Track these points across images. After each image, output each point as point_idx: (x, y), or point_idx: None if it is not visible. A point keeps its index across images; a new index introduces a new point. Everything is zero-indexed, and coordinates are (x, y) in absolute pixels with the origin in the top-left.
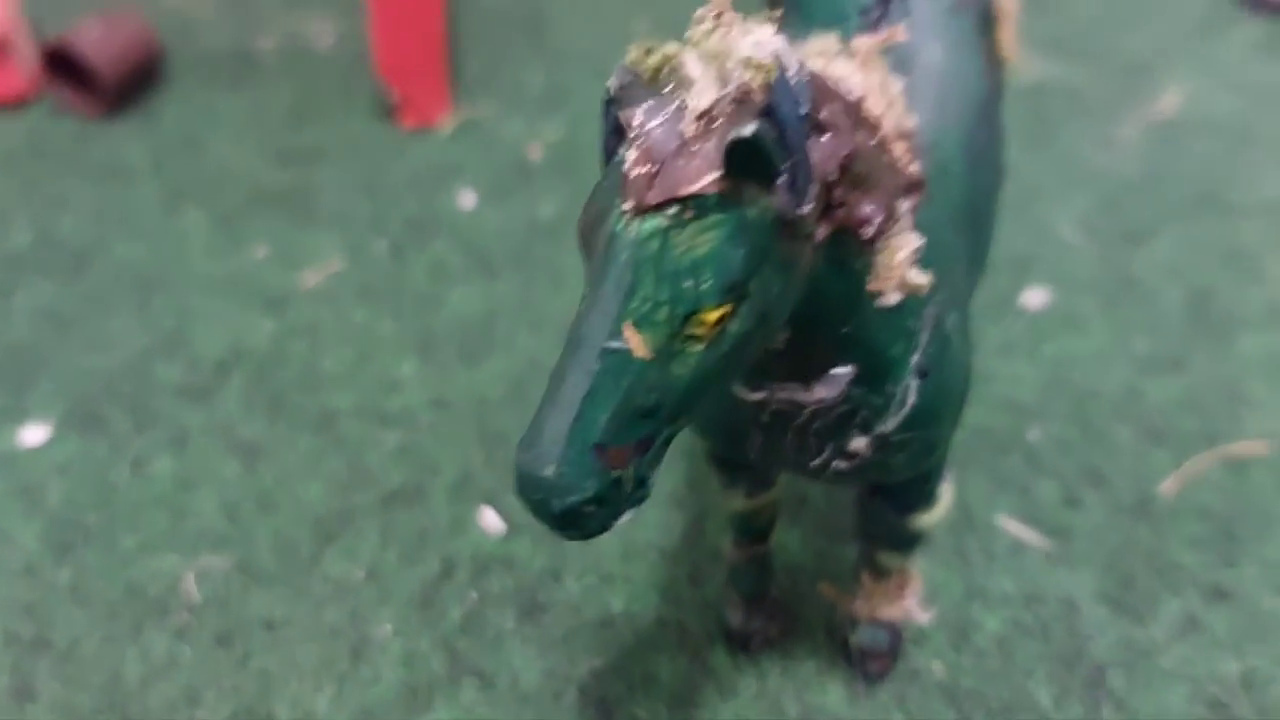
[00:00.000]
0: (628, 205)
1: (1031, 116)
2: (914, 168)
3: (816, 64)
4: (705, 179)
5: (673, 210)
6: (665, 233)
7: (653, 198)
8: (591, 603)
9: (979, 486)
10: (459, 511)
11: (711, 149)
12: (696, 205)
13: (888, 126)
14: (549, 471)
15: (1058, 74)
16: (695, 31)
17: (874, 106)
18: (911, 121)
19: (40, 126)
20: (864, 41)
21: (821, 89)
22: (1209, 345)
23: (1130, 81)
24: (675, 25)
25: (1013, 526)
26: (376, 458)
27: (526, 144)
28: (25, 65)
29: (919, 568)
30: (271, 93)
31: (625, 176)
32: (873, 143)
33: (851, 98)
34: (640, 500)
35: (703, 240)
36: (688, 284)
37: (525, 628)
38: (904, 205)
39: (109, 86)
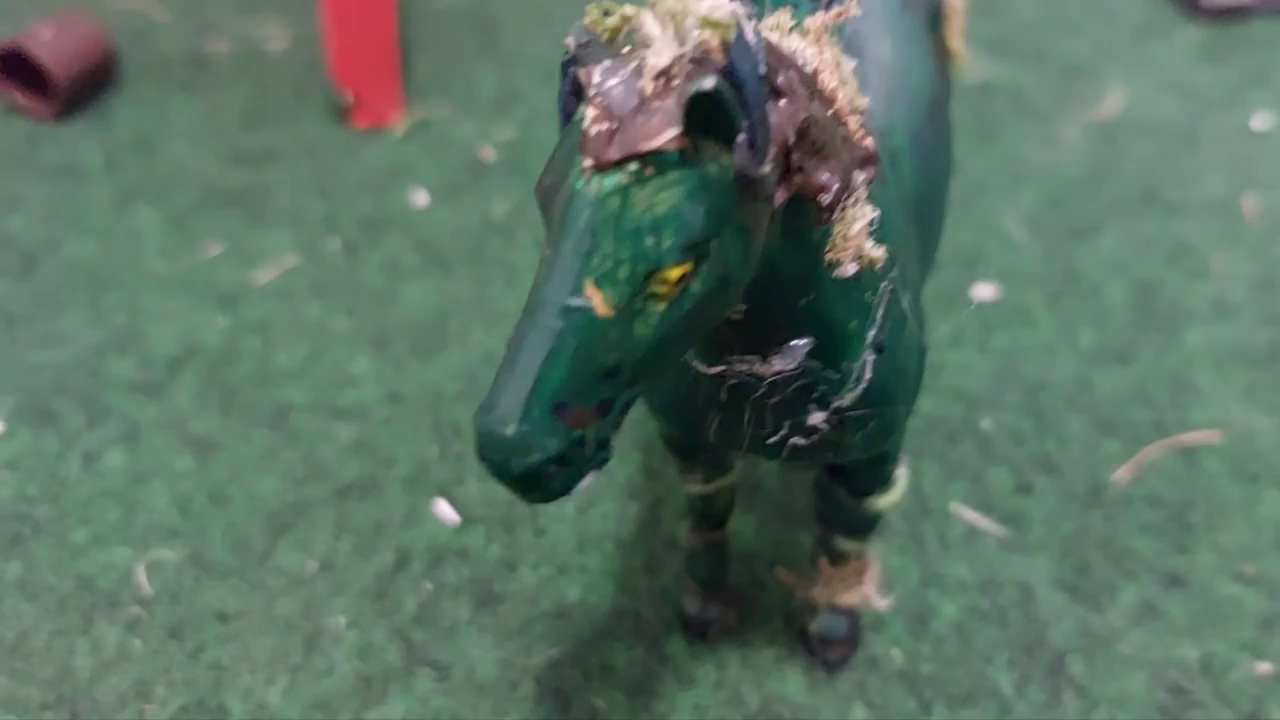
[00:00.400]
0: (587, 163)
1: (976, 116)
2: (868, 141)
3: (772, 37)
4: (665, 135)
5: (633, 167)
6: (625, 190)
7: (612, 154)
8: (547, 593)
9: (933, 474)
10: (413, 503)
11: (671, 105)
12: (657, 162)
13: (842, 100)
14: (509, 431)
15: (1001, 74)
16: None
17: (828, 80)
18: (864, 100)
19: None
20: (817, 18)
21: (779, 56)
22: (1155, 338)
23: (1072, 83)
24: None
25: (967, 513)
26: (331, 451)
27: (479, 144)
28: None
29: (876, 554)
30: (225, 95)
31: (585, 134)
32: (828, 114)
33: (807, 69)
34: (603, 462)
35: (663, 197)
36: (649, 241)
37: (481, 618)
38: (859, 177)
39: (61, 88)
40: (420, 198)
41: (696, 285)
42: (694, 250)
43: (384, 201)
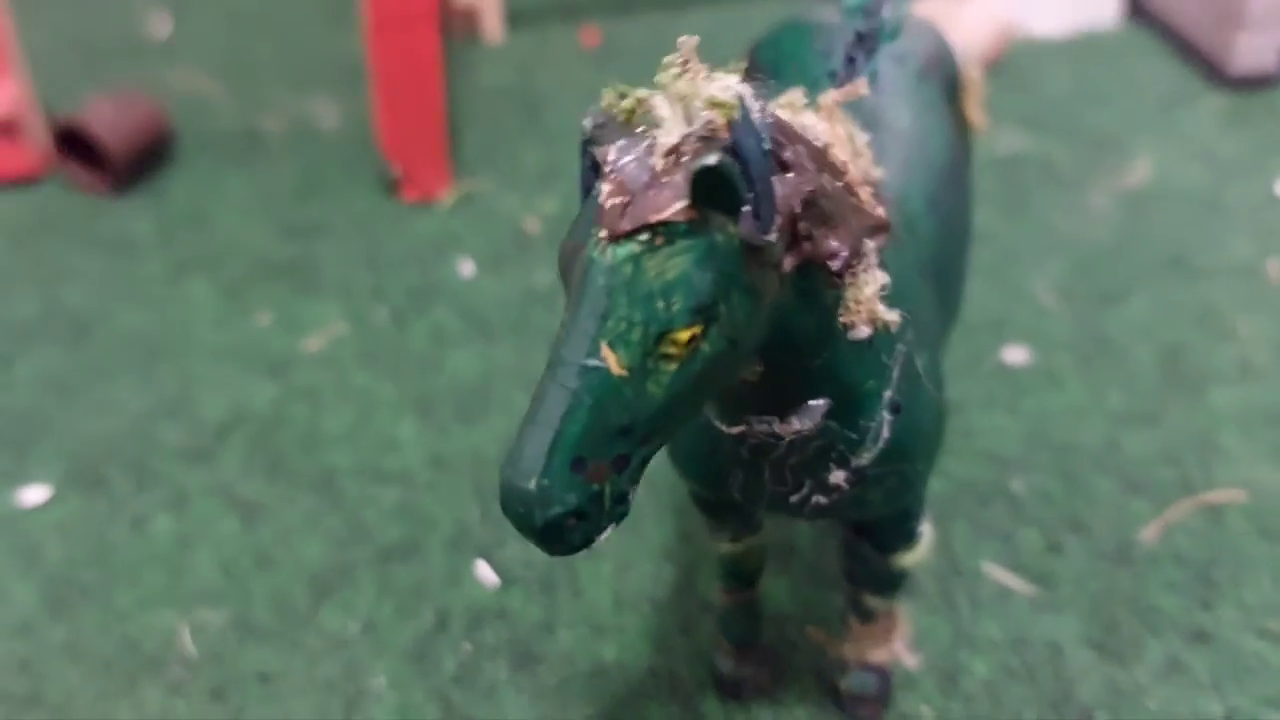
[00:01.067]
0: (603, 233)
1: (1007, 186)
2: (879, 210)
3: (784, 114)
4: (674, 207)
5: (644, 236)
6: (638, 258)
7: (625, 225)
8: (584, 653)
9: (964, 535)
10: (455, 565)
11: (680, 180)
12: (666, 232)
13: (853, 172)
14: (531, 484)
15: (1031, 147)
16: (664, 76)
17: (839, 153)
18: (878, 172)
19: (51, 202)
20: (829, 95)
21: (786, 132)
22: (1182, 400)
23: (1100, 153)
24: None
25: (998, 573)
26: (374, 514)
27: (523, 217)
28: (37, 143)
29: (906, 613)
30: (277, 170)
31: (600, 207)
32: (839, 185)
33: (818, 143)
34: (621, 516)
35: (673, 264)
36: (660, 305)
37: (519, 678)
38: (870, 245)
39: (119, 164)
40: (466, 268)
41: (706, 347)
42: (703, 313)
43: (431, 272)
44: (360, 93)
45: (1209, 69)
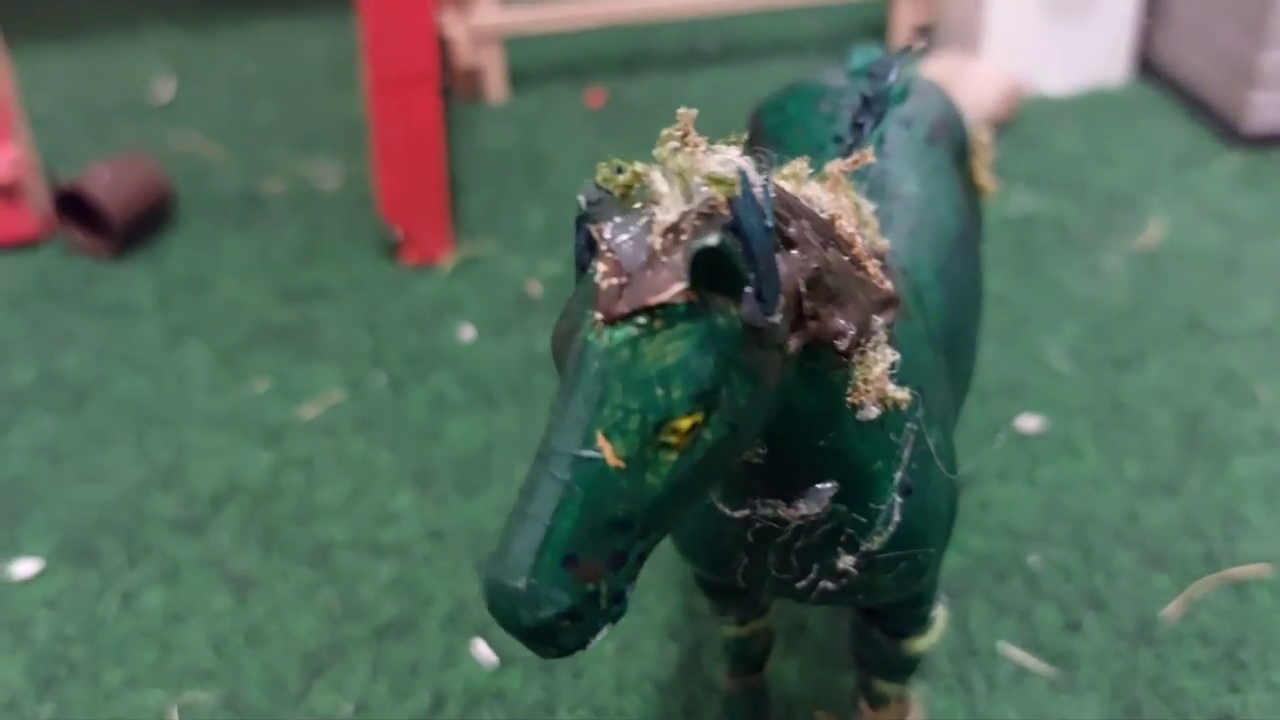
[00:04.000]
0: (598, 315)
1: (1019, 247)
2: (888, 285)
3: (787, 185)
4: (673, 289)
5: (642, 320)
6: (635, 342)
7: (622, 307)
8: None
9: (980, 612)
10: (452, 643)
11: (679, 260)
12: (665, 315)
13: (860, 245)
14: (519, 584)
15: (1042, 206)
16: (661, 150)
17: (845, 225)
18: (885, 243)
19: (50, 266)
20: (835, 165)
21: (790, 206)
22: (1203, 469)
23: (1113, 213)
24: None
25: (1015, 653)
26: (370, 589)
27: (526, 280)
28: (37, 206)
29: (920, 695)
30: (278, 233)
31: (596, 288)
32: (845, 259)
33: (823, 216)
34: (617, 615)
35: (672, 349)
36: (659, 392)
37: None
38: (879, 321)
39: (119, 229)
40: (467, 333)
41: (708, 434)
42: (704, 400)
43: (431, 337)
44: (362, 154)
45: (1222, 127)
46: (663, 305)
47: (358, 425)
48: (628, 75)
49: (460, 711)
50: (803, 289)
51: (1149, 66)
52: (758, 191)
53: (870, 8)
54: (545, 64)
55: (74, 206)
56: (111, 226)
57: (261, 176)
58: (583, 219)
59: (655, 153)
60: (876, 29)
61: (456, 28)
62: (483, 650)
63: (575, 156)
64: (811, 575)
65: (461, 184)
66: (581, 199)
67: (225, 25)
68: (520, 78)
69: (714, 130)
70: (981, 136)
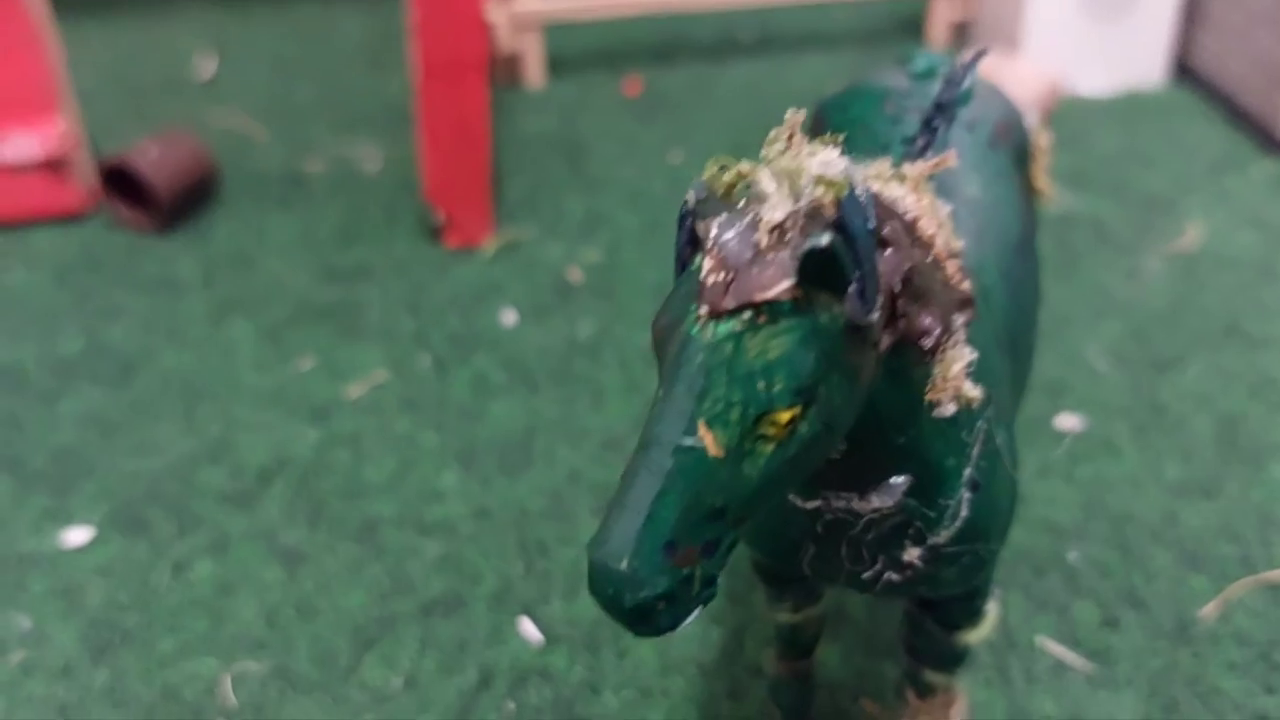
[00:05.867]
0: (703, 310)
1: (1058, 247)
2: (966, 285)
3: (874, 185)
4: (780, 286)
5: (746, 315)
6: (739, 336)
7: (728, 303)
8: (630, 716)
9: (1019, 606)
10: (498, 621)
11: (786, 258)
12: (770, 311)
13: (940, 246)
14: (622, 566)
15: (1081, 206)
16: (769, 150)
17: (927, 227)
18: (960, 243)
19: (96, 240)
20: (916, 167)
21: (884, 208)
22: (1241, 472)
23: (1151, 215)
24: (708, 158)
25: (1053, 647)
26: (417, 566)
27: (566, 266)
28: (83, 180)
29: (963, 688)
30: (320, 213)
31: (702, 284)
32: (928, 260)
33: (908, 217)
34: (709, 599)
35: (775, 344)
36: (760, 385)
37: None
38: (958, 320)
39: (164, 204)
40: (508, 317)
41: (804, 428)
42: (803, 395)
43: (472, 320)
44: (402, 137)
45: (1259, 133)
46: (769, 301)
47: (402, 405)
48: (664, 64)
49: (507, 689)
50: (897, 289)
51: (1186, 70)
52: (861, 193)
53: (907, 4)
54: (583, 51)
55: (120, 181)
56: (158, 202)
57: (303, 156)
58: (687, 215)
59: (763, 153)
60: (913, 25)
61: (497, 13)
62: (529, 629)
63: (612, 144)
64: (878, 566)
65: (501, 169)
66: (690, 196)
67: (263, 4)
68: (558, 64)
69: (750, 121)
70: (1041, 140)
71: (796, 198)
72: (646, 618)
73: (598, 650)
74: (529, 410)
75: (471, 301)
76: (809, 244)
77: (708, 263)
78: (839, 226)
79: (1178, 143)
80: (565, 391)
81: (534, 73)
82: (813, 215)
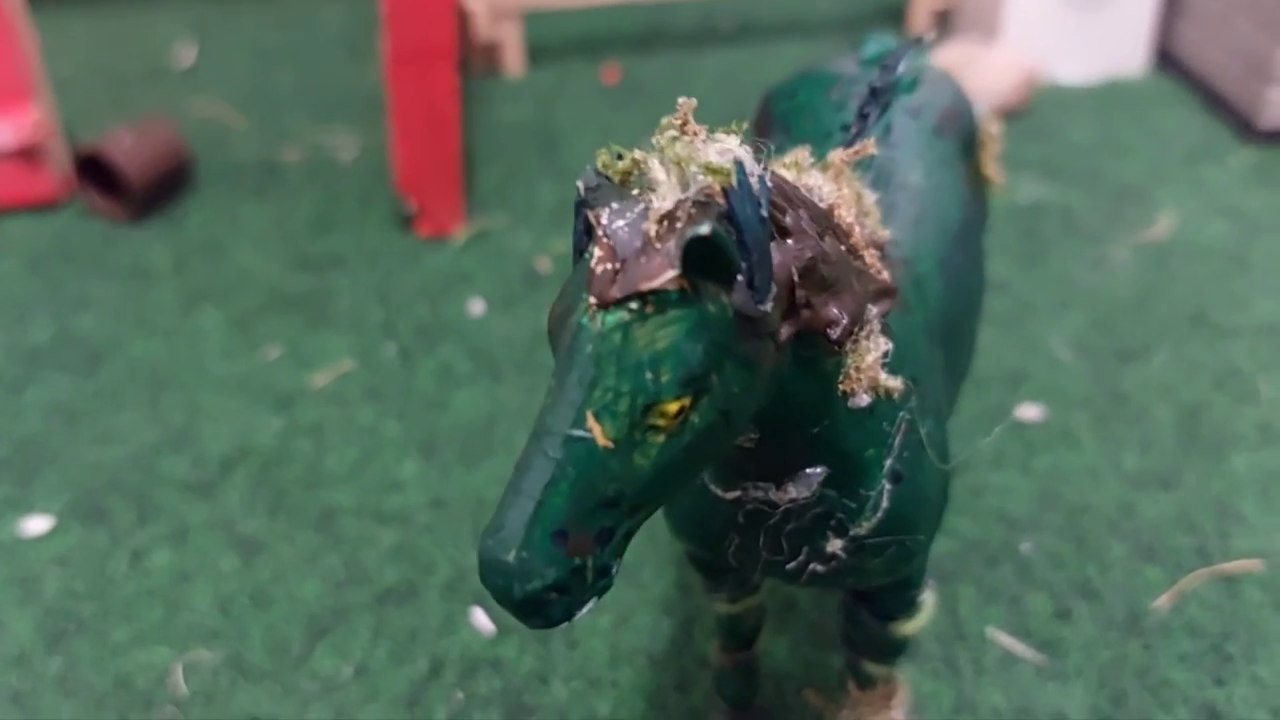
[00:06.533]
0: (592, 300)
1: (1025, 236)
2: (884, 275)
3: (788, 174)
4: (665, 275)
5: (634, 305)
6: (627, 326)
7: (615, 293)
8: (578, 707)
9: (969, 597)
10: (451, 611)
11: (672, 248)
12: (657, 301)
13: (859, 235)
14: (510, 557)
15: (1052, 196)
16: (661, 137)
17: (844, 215)
18: (886, 233)
19: (69, 228)
20: (837, 154)
21: (788, 195)
22: (1201, 463)
23: (1123, 204)
24: None
25: (1003, 638)
26: (373, 555)
27: (535, 256)
28: (58, 169)
29: (907, 677)
30: (294, 201)
31: (591, 272)
32: (842, 248)
33: (821, 205)
34: (603, 590)
35: (663, 334)
36: (648, 376)
37: None
38: (874, 310)
39: (138, 193)
40: (476, 306)
41: (695, 418)
42: (693, 385)
43: (441, 309)
44: (379, 126)
45: (1237, 122)
46: (655, 291)
47: (367, 394)
48: (643, 52)
49: (457, 678)
50: (796, 278)
51: (1167, 58)
52: (754, 181)
53: None
54: (562, 39)
55: (94, 170)
56: (131, 191)
57: (280, 144)
58: (581, 204)
59: (653, 140)
60: (894, 13)
61: (476, 1)
62: (481, 619)
63: (589, 133)
64: (801, 558)
65: (475, 158)
66: (580, 184)
67: None
68: (537, 52)
69: (727, 110)
70: (991, 128)
71: (685, 186)
72: (538, 609)
73: (548, 641)
74: (492, 400)
75: (440, 291)
76: (690, 233)
77: (598, 251)
78: (727, 215)
79: (1154, 132)
80: (528, 381)
81: (513, 61)
82: (703, 204)
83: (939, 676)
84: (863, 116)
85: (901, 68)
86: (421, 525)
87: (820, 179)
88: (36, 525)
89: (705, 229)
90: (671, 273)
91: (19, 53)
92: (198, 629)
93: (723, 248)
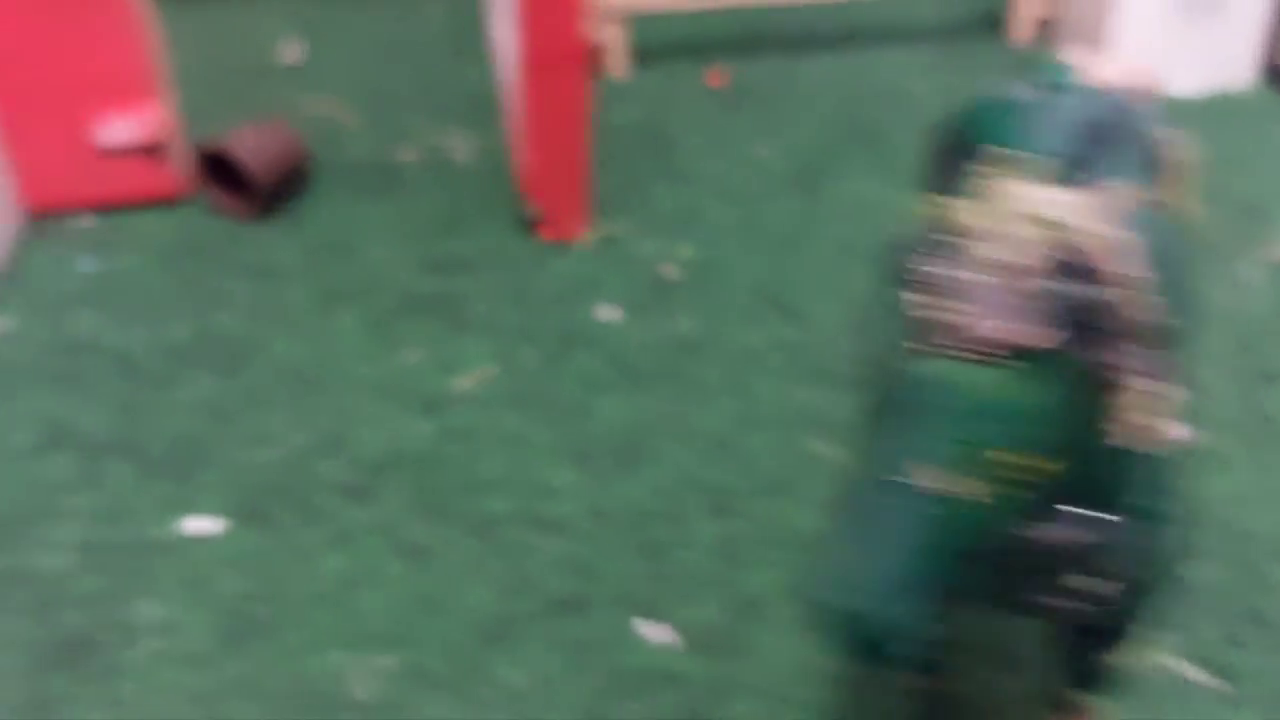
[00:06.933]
0: (926, 348)
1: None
2: (1156, 318)
3: (1079, 222)
4: (1030, 333)
5: (993, 357)
6: (984, 378)
7: (953, 343)
8: None
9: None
10: (620, 622)
11: (1020, 302)
12: (1016, 355)
13: (1139, 280)
14: (865, 606)
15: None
16: (984, 188)
17: (1126, 264)
18: (1149, 274)
19: (194, 225)
20: (1110, 201)
21: (1103, 246)
22: None
23: (1247, 222)
24: (795, 152)
25: (1179, 664)
26: (537, 564)
27: (661, 262)
28: (180, 166)
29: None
30: (414, 202)
31: (921, 321)
32: (1132, 296)
33: (1114, 253)
34: (941, 634)
35: (1020, 388)
36: (994, 427)
37: None
38: (1162, 357)
39: (262, 191)
40: (609, 312)
41: (1046, 468)
42: (1046, 437)
43: (574, 314)
44: (491, 127)
45: None
46: (1015, 346)
47: (511, 399)
48: (747, 56)
49: (635, 690)
50: (1120, 330)
51: (1276, 73)
52: (1108, 241)
53: None
54: (667, 42)
55: (217, 167)
56: (255, 189)
57: (396, 144)
58: (898, 250)
59: (975, 190)
60: (995, 20)
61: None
62: (653, 631)
63: (699, 136)
64: (1054, 594)
65: (592, 163)
66: (901, 231)
67: None
68: (642, 55)
69: (836, 114)
70: (1188, 156)
71: (1018, 238)
72: (884, 654)
73: (730, 656)
74: (636, 408)
75: (571, 296)
76: (1047, 288)
77: (928, 300)
78: (1075, 271)
79: (1269, 147)
80: (671, 389)
81: (618, 63)
82: (1049, 259)
83: (1119, 700)
84: (1090, 156)
85: (1143, 109)
86: (583, 533)
87: (1100, 224)
88: (200, 525)
89: (1061, 285)
90: (1037, 330)
91: (144, 50)
92: (371, 634)
93: (1093, 311)
